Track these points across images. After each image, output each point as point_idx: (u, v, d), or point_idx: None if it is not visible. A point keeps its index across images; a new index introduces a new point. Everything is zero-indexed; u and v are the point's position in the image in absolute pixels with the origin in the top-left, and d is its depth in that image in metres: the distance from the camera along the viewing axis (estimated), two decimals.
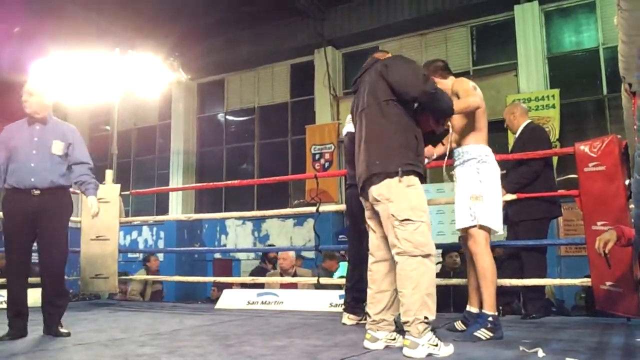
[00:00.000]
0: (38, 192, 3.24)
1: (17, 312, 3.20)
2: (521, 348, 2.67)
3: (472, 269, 3.24)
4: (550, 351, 2.58)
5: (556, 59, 9.14)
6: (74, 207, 3.62)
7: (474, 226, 3.11)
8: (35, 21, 9.40)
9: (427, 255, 2.60)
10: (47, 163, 3.29)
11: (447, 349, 2.55)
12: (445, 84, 3.28)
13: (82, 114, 12.26)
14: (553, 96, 8.65)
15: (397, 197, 2.64)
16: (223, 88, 12.67)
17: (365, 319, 3.51)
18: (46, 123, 3.39)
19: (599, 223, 3.64)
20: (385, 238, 2.79)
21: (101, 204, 3.52)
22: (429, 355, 2.49)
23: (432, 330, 2.56)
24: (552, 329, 3.59)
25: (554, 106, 8.60)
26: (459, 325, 3.31)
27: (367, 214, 2.93)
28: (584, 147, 3.78)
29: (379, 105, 2.77)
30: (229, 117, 12.72)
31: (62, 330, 3.23)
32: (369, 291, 2.87)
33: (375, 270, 2.86)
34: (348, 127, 3.81)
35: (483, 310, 3.10)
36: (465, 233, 3.20)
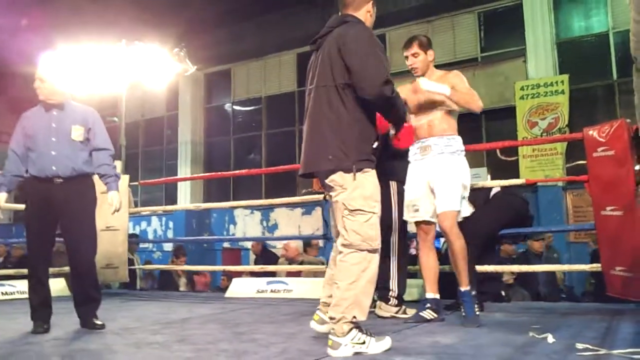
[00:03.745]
0: (60, 180, 3.13)
1: (41, 302, 3.12)
2: (531, 334, 2.67)
3: None
4: (560, 337, 2.58)
5: (565, 44, 9.04)
6: None
7: (456, 210, 3.23)
8: (42, 14, 9.42)
9: (373, 251, 2.41)
10: (68, 150, 3.16)
11: (380, 345, 2.37)
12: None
13: (89, 105, 12.31)
14: (562, 82, 8.58)
15: (350, 184, 2.41)
16: (230, 78, 12.66)
17: (374, 307, 3.57)
18: (63, 108, 3.27)
19: (608, 208, 3.62)
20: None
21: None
22: (357, 354, 2.31)
23: (357, 327, 2.34)
24: (562, 314, 3.59)
25: (563, 92, 8.53)
26: (429, 314, 3.27)
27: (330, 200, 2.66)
28: (592, 132, 3.75)
29: (336, 88, 2.45)
30: (236, 107, 12.72)
31: (97, 322, 3.17)
32: (328, 270, 2.76)
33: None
34: None
35: (465, 288, 3.19)
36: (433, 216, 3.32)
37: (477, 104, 3.24)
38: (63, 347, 2.70)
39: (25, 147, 3.21)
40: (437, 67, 3.53)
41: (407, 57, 3.42)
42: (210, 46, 11.57)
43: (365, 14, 2.65)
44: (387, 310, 3.57)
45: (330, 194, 2.54)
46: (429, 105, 3.34)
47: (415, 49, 3.39)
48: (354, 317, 2.32)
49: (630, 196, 3.48)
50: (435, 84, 3.22)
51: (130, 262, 7.55)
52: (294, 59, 11.75)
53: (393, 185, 3.66)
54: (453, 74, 3.38)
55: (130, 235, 9.77)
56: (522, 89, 8.83)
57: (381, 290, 3.54)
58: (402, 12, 9.90)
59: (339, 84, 2.44)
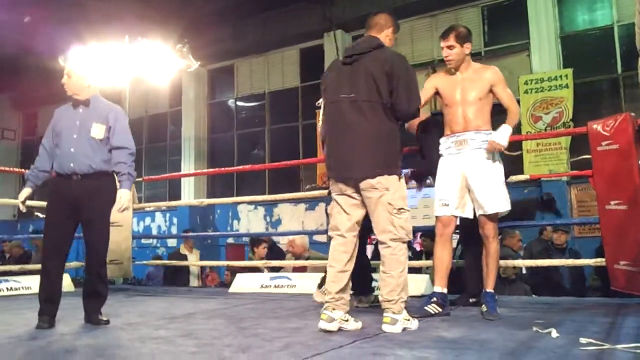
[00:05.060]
0: (78, 177, 3.15)
1: (47, 297, 3.13)
2: (534, 329, 2.67)
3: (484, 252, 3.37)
4: (563, 332, 2.58)
5: (569, 37, 8.99)
6: None
7: (502, 211, 3.27)
8: (45, 10, 9.43)
9: (408, 242, 2.91)
10: (87, 148, 3.17)
11: (416, 322, 2.86)
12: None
13: None
14: (566, 76, 8.53)
15: (393, 186, 2.82)
16: (233, 74, 12.65)
17: (371, 302, 3.63)
18: (89, 105, 3.27)
19: (612, 202, 3.61)
20: (357, 223, 2.92)
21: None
22: (405, 329, 2.76)
23: (406, 308, 2.83)
24: (566, 309, 3.59)
25: (567, 86, 8.49)
26: (433, 308, 3.28)
27: (342, 199, 2.93)
28: (596, 126, 3.73)
29: (383, 105, 2.83)
30: (240, 103, 12.72)
31: (102, 318, 3.19)
32: (331, 270, 2.89)
33: (342, 251, 2.90)
34: None
35: (490, 290, 3.30)
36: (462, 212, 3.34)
37: (519, 114, 3.36)
38: (68, 342, 2.71)
39: (53, 142, 3.25)
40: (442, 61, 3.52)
41: (442, 47, 3.40)
42: (213, 42, 11.55)
43: (385, 37, 3.01)
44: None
45: (369, 195, 2.82)
46: (464, 98, 3.32)
47: (451, 41, 3.35)
48: (408, 297, 2.85)
49: (634, 190, 3.47)
50: (504, 134, 3.21)
51: (183, 257, 7.51)
52: (296, 55, 11.73)
53: None
54: (491, 72, 3.35)
55: (185, 230, 9.82)
56: (526, 83, 8.79)
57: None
58: (405, 7, 9.84)
59: (385, 102, 2.82)
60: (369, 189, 2.81)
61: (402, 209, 2.82)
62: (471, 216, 3.33)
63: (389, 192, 2.79)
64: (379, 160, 2.80)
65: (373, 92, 2.82)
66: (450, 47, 3.34)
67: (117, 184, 3.29)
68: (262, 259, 7.04)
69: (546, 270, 5.47)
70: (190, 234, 8.96)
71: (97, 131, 3.21)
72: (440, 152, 3.44)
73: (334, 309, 2.78)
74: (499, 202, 3.24)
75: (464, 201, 3.31)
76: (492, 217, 3.26)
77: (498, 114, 3.43)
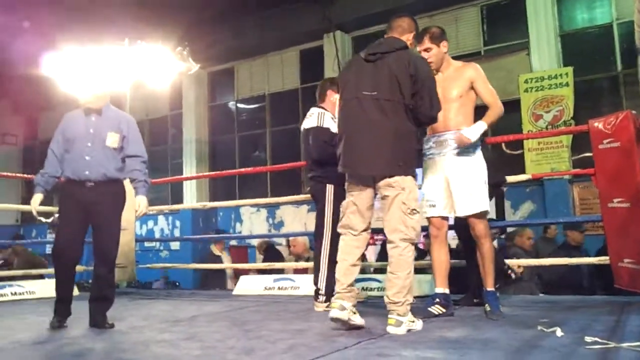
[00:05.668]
0: (92, 184, 3.23)
1: (59, 298, 3.26)
2: (539, 327, 2.68)
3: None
4: (568, 330, 2.58)
5: (569, 36, 8.97)
6: None
7: (485, 211, 3.26)
8: (44, 14, 9.44)
9: (415, 243, 2.92)
10: (102, 156, 3.26)
11: (420, 323, 2.87)
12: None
13: None
14: (566, 74, 8.51)
15: (408, 186, 2.86)
16: (233, 76, 12.65)
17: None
18: (101, 114, 3.34)
19: (615, 200, 3.61)
20: (370, 223, 3.01)
21: None
22: (409, 330, 2.77)
23: (411, 309, 2.85)
24: (570, 308, 3.59)
25: (567, 84, 8.48)
26: (437, 309, 3.29)
27: (359, 200, 2.97)
28: (598, 124, 3.73)
29: (405, 105, 2.87)
30: (240, 105, 12.72)
31: (107, 322, 3.24)
32: (343, 263, 2.95)
33: (355, 246, 2.97)
34: (311, 121, 3.86)
35: (490, 289, 3.30)
36: (450, 212, 3.34)
37: (501, 111, 3.29)
38: (72, 346, 2.71)
39: (63, 148, 3.32)
40: None
41: (420, 52, 3.40)
42: (212, 45, 11.55)
43: (406, 41, 3.06)
44: (317, 306, 3.76)
45: (385, 192, 2.86)
46: (445, 96, 3.30)
47: (427, 43, 3.36)
48: (413, 298, 2.88)
49: (637, 188, 3.47)
50: (475, 130, 3.19)
51: (217, 258, 7.48)
52: (296, 56, 11.73)
53: (330, 188, 3.73)
54: (472, 69, 3.35)
55: (217, 231, 9.73)
56: (526, 81, 8.78)
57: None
58: (404, 7, 9.81)
59: (406, 103, 2.87)
60: (386, 187, 2.86)
61: (415, 210, 2.86)
62: (460, 215, 3.33)
63: (405, 191, 2.83)
64: (398, 159, 2.84)
65: (395, 92, 2.86)
66: (427, 50, 3.36)
67: (133, 190, 3.40)
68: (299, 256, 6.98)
69: (565, 269, 5.42)
70: (223, 234, 8.90)
71: (112, 140, 3.30)
72: (423, 152, 3.46)
73: (344, 299, 2.83)
74: (476, 203, 3.21)
75: (450, 202, 3.31)
76: (480, 217, 3.24)
77: (508, 112, 3.41)
